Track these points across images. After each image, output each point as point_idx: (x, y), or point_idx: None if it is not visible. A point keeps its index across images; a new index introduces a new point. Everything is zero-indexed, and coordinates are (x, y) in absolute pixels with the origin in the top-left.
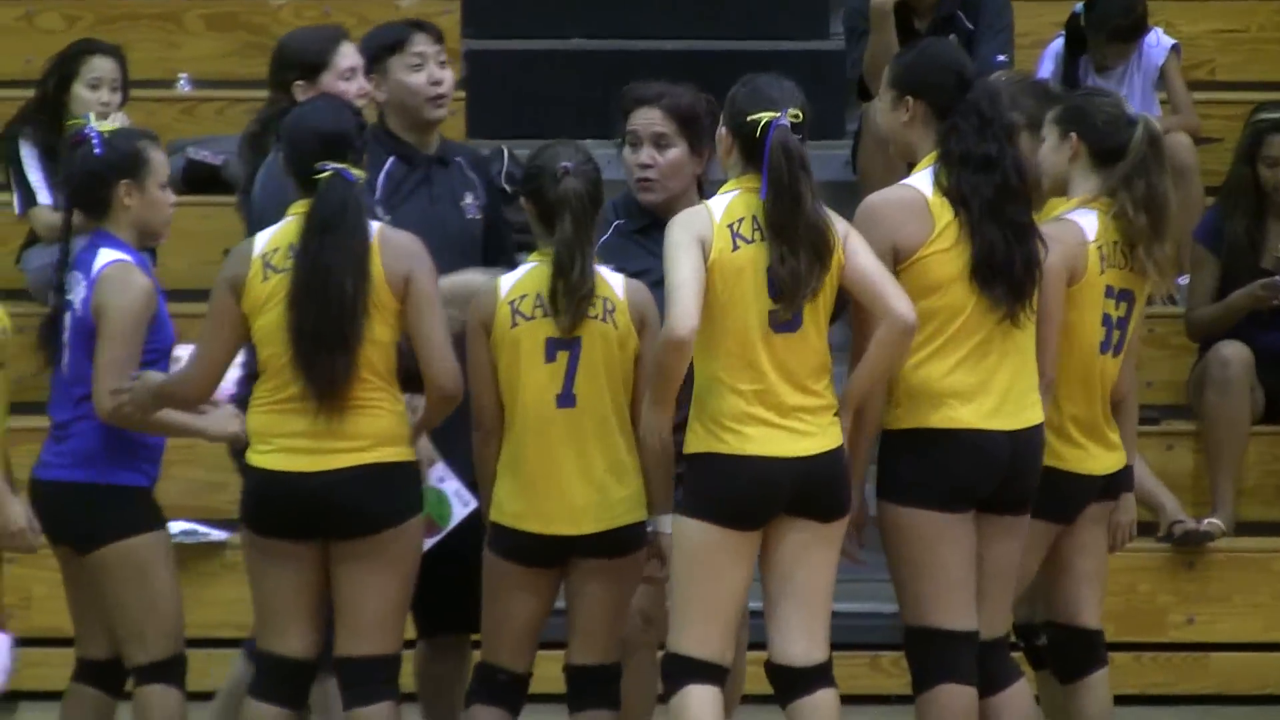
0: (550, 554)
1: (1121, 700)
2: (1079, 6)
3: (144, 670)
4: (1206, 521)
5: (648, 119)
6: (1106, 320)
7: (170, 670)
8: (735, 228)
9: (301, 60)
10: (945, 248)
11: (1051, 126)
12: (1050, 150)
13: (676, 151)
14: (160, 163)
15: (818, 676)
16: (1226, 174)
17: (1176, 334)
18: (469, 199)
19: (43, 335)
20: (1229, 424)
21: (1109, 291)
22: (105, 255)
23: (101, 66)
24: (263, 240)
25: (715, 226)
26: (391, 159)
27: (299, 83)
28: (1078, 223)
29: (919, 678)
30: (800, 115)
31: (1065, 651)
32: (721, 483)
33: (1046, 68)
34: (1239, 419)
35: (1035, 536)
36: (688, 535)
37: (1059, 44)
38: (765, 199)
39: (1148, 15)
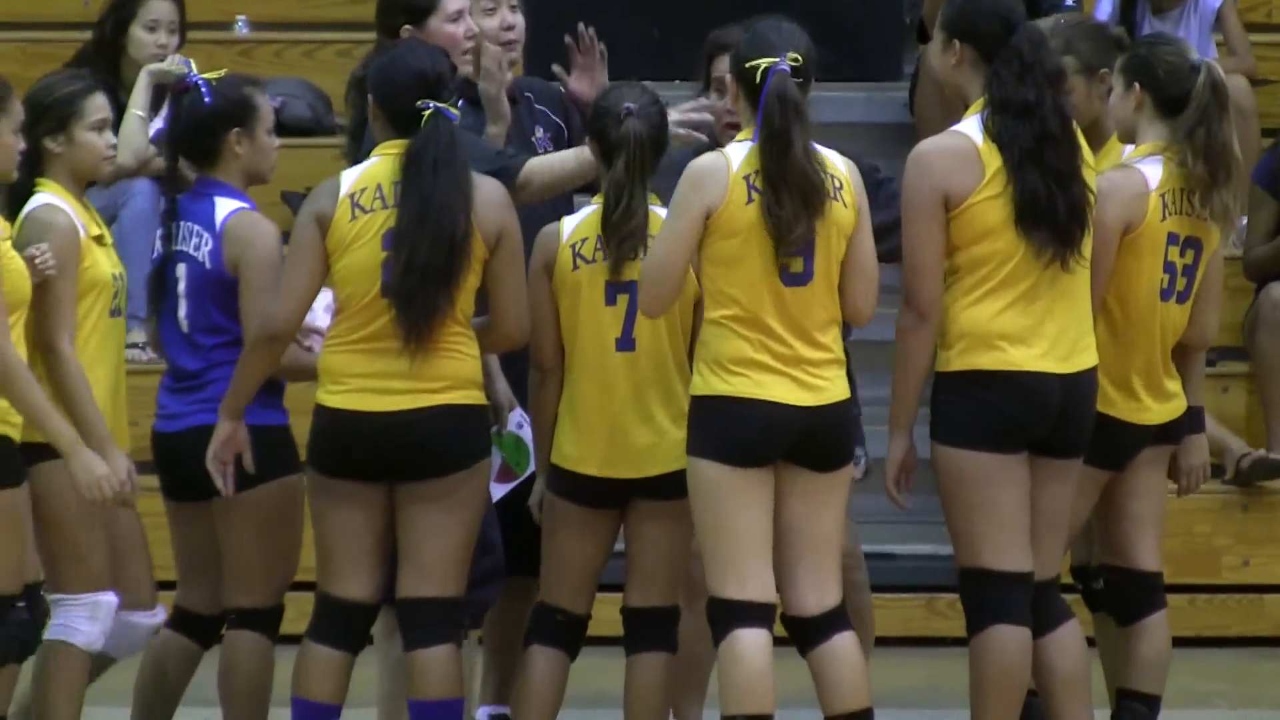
0: (609, 496)
1: (1176, 642)
2: None
3: (243, 614)
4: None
5: None
6: (1170, 267)
7: (267, 619)
8: (751, 179)
9: (409, 4)
10: (995, 194)
11: (1118, 77)
12: (1117, 100)
13: None
14: (267, 109)
15: (833, 622)
16: None
17: (1233, 275)
18: (539, 132)
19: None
20: None
21: (1172, 238)
22: (224, 205)
23: (159, 9)
24: (349, 179)
25: (731, 178)
26: (461, 102)
27: (407, 26)
28: (1142, 171)
29: (973, 619)
30: (800, 60)
31: (1123, 594)
32: (727, 424)
33: (1104, 10)
34: None
35: (1085, 482)
36: (700, 476)
37: None
38: (757, 143)
39: None
